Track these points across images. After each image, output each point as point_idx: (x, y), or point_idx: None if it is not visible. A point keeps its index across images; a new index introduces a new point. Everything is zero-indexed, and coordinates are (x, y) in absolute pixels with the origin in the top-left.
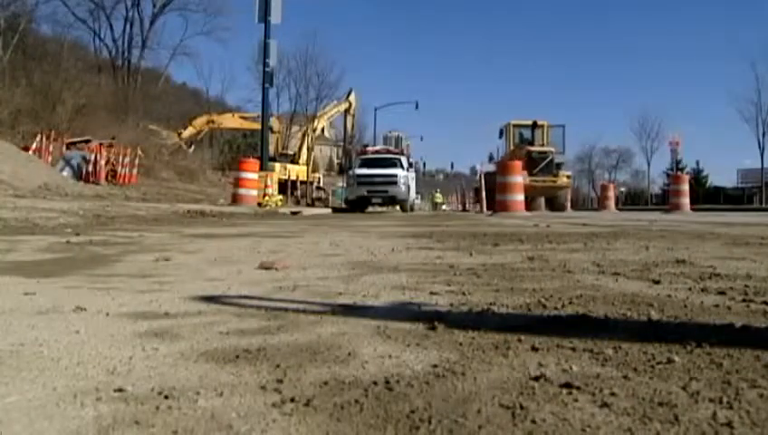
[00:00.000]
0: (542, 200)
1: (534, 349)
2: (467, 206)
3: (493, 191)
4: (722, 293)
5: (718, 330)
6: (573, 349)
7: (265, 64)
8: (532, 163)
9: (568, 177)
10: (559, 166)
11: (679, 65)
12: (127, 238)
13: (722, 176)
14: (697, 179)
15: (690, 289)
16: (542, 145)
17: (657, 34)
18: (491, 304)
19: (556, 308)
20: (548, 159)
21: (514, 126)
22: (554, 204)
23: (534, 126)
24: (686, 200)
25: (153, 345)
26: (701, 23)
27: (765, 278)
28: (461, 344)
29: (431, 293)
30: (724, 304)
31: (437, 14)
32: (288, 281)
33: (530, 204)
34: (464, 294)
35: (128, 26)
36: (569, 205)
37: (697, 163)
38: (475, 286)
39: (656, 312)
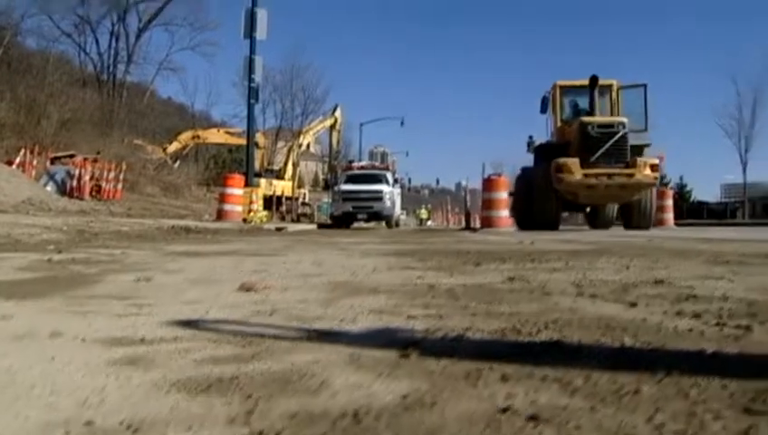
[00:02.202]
0: (612, 210)
1: (505, 378)
2: (453, 222)
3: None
4: (697, 316)
5: (689, 357)
6: (543, 378)
7: (251, 80)
8: (588, 144)
9: (654, 167)
10: (638, 150)
11: (662, 79)
12: (109, 256)
13: (705, 190)
14: (681, 194)
15: (666, 312)
16: (610, 115)
17: (641, 48)
18: (466, 329)
19: (531, 334)
20: (617, 137)
21: (563, 88)
22: (633, 216)
23: (594, 86)
24: (669, 216)
25: (127, 374)
26: (684, 37)
27: (741, 300)
28: (432, 373)
29: (408, 317)
30: (698, 329)
31: (424, 30)
32: (267, 304)
33: (593, 216)
34: (440, 318)
35: (113, 41)
36: (664, 217)
37: (681, 178)
38: (452, 310)
39: (629, 337)
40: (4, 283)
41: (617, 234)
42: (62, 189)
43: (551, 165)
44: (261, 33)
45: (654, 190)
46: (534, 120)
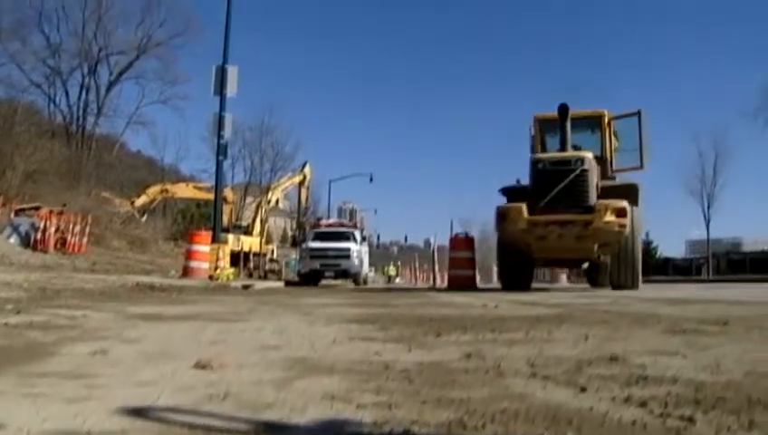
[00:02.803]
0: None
1: None
2: (421, 279)
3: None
4: (643, 404)
5: None
6: None
7: (220, 137)
8: (539, 186)
9: (620, 212)
10: (626, 191)
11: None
12: (69, 319)
13: (671, 246)
14: (648, 250)
15: (614, 398)
16: (601, 152)
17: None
18: (413, 422)
19: (476, 429)
20: (573, 176)
21: (542, 122)
22: (615, 273)
23: (564, 117)
24: None
25: None
26: (645, 95)
27: (690, 382)
28: None
29: (358, 405)
30: (642, 420)
31: (395, 86)
32: (221, 386)
33: (592, 272)
34: (390, 407)
35: (84, 93)
36: (636, 276)
37: (647, 234)
38: (404, 396)
39: (573, 432)
40: None
41: (585, 294)
42: (26, 242)
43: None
44: (231, 89)
45: (638, 241)
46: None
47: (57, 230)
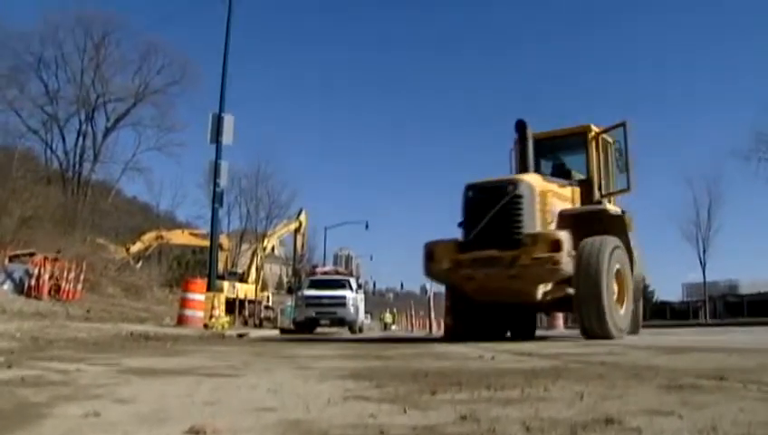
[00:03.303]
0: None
1: None
2: (417, 326)
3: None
4: None
5: None
6: None
7: (216, 184)
8: (468, 217)
9: (555, 244)
10: (611, 224)
11: None
12: (62, 374)
13: (668, 290)
14: (644, 295)
15: None
16: (587, 174)
17: None
18: None
19: None
20: (503, 203)
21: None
22: (581, 320)
23: (523, 136)
24: None
25: None
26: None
27: None
28: None
29: None
30: None
31: (389, 134)
32: None
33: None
34: None
35: (80, 139)
36: (603, 321)
37: (644, 278)
38: None
39: None
40: None
41: (581, 342)
42: (20, 289)
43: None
44: (227, 137)
45: (628, 279)
46: None
47: (51, 277)
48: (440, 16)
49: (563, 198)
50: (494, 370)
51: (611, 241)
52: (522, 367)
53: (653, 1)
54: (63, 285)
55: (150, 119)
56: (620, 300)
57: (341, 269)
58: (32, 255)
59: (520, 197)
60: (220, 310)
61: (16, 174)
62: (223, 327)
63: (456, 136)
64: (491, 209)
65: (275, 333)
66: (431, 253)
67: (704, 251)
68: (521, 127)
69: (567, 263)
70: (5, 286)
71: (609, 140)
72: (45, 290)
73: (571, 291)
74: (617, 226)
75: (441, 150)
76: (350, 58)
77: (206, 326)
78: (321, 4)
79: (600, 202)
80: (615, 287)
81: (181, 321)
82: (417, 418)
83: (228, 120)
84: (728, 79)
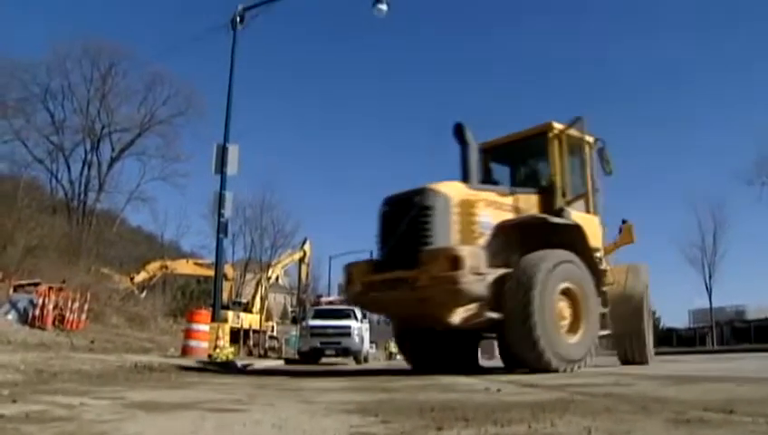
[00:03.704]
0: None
1: None
2: None
3: None
4: None
5: None
6: None
7: (220, 215)
8: (380, 233)
9: (455, 260)
10: (571, 237)
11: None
12: (66, 409)
13: (674, 316)
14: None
15: None
16: (550, 181)
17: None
18: None
19: None
20: (410, 218)
21: (486, 152)
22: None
23: (462, 139)
24: None
25: None
26: (641, 166)
27: None
28: None
29: None
30: None
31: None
32: None
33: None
34: None
35: (86, 169)
36: (537, 350)
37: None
38: None
39: None
40: None
41: (587, 372)
42: (24, 319)
43: None
44: (232, 168)
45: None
46: None
47: (56, 307)
48: (441, 45)
49: (504, 207)
50: (500, 403)
51: (556, 256)
52: (527, 400)
53: (653, 23)
54: (68, 315)
55: (155, 149)
56: (575, 325)
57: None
58: (36, 284)
59: (428, 208)
60: (225, 340)
61: (22, 203)
62: (227, 358)
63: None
64: (401, 224)
65: (280, 363)
66: (350, 275)
67: (710, 276)
68: (459, 131)
69: (472, 282)
70: (10, 316)
71: (589, 139)
72: (50, 320)
73: (492, 315)
74: (578, 237)
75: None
76: (354, 87)
77: (210, 357)
78: (326, 35)
79: (561, 210)
80: (564, 310)
81: (186, 352)
82: None
83: (233, 151)
84: (729, 102)
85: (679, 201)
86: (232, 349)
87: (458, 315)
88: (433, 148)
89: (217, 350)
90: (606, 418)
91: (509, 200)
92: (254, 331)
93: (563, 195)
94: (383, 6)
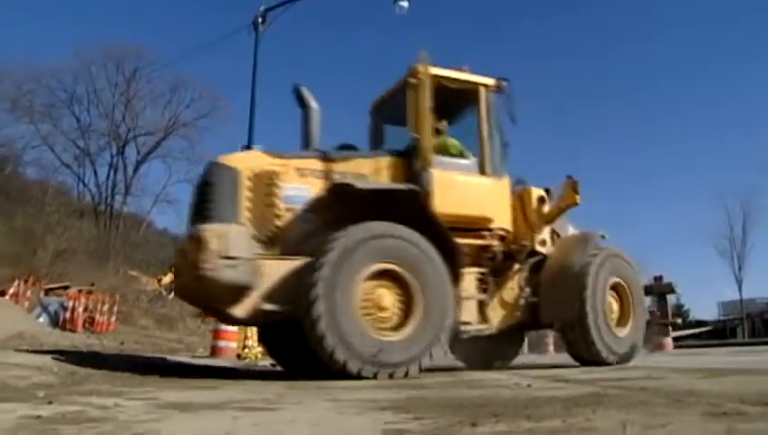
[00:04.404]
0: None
1: None
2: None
3: None
4: None
5: None
6: None
7: None
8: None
9: (194, 239)
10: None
11: (653, 200)
12: (101, 410)
13: (704, 309)
14: (680, 314)
15: None
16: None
17: (629, 181)
18: None
19: None
20: (199, 190)
21: (378, 108)
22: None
23: (302, 103)
24: (668, 339)
25: None
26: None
27: None
28: None
29: None
30: None
31: None
32: None
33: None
34: None
35: (112, 172)
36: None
37: (678, 298)
38: None
39: None
40: None
41: (616, 367)
42: (55, 321)
43: None
44: None
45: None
46: None
47: (86, 310)
48: (469, 42)
49: (333, 177)
50: (532, 398)
51: (368, 229)
52: (559, 395)
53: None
54: (97, 317)
55: (180, 151)
56: (404, 320)
57: None
58: (66, 288)
59: (210, 185)
60: (253, 340)
61: (50, 208)
62: (256, 357)
63: None
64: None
65: None
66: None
67: (739, 268)
68: (298, 94)
69: (218, 268)
70: (41, 319)
71: (485, 82)
72: (80, 323)
73: (269, 307)
74: (420, 205)
75: None
76: (371, 85)
77: (239, 357)
78: (350, 32)
79: (418, 174)
80: (382, 299)
81: (214, 352)
82: None
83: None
84: (759, 91)
85: (708, 192)
86: (260, 349)
87: (242, 308)
88: None
89: (246, 350)
90: (641, 411)
91: (343, 167)
92: None
93: (425, 154)
94: (404, 3)
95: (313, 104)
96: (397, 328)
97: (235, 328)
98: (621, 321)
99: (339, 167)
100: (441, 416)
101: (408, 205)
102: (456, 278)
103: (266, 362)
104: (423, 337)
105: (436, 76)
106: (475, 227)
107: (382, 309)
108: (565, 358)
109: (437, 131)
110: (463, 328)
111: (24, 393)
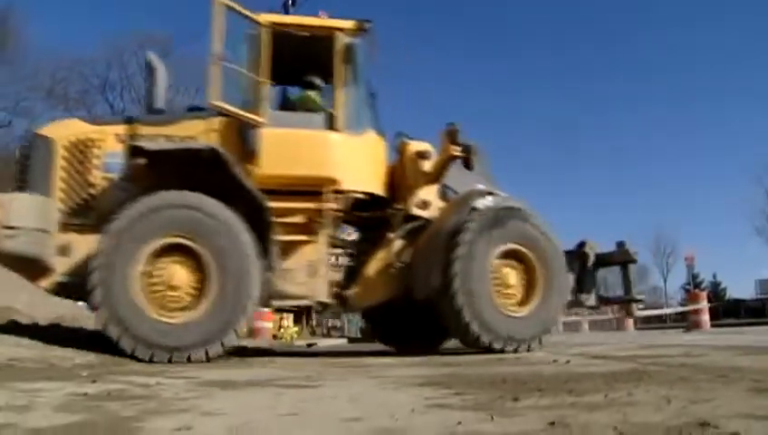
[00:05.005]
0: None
1: None
2: None
3: None
4: None
5: None
6: None
7: None
8: None
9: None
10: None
11: (688, 184)
12: (144, 388)
13: (740, 287)
14: (716, 293)
15: None
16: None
17: (667, 160)
18: None
19: None
20: (17, 164)
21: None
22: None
23: (149, 67)
24: (705, 318)
25: None
26: (708, 137)
27: None
28: None
29: None
30: None
31: None
32: None
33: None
34: None
35: None
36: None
37: (714, 276)
38: None
39: None
40: (43, 431)
41: (652, 343)
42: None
43: None
44: None
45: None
46: None
47: None
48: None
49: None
50: (572, 374)
51: (160, 199)
52: (599, 371)
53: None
54: None
55: None
56: (200, 295)
57: None
58: None
59: (26, 157)
60: (288, 321)
61: None
62: (291, 338)
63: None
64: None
65: (343, 341)
66: None
67: None
68: (148, 62)
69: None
70: (80, 303)
71: (342, 25)
72: None
73: (65, 280)
74: (217, 167)
75: None
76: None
77: (275, 337)
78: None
79: (248, 133)
80: (174, 277)
81: (251, 333)
82: (505, 425)
83: None
84: None
85: (746, 170)
86: (296, 328)
87: (46, 278)
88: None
89: (282, 330)
90: (683, 387)
91: (170, 130)
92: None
93: (255, 110)
94: None
95: (160, 68)
96: (189, 307)
97: (269, 309)
98: (527, 297)
99: (165, 130)
100: (481, 391)
101: (211, 167)
102: (266, 250)
103: (303, 342)
104: (219, 317)
105: (278, 24)
106: (316, 189)
107: (173, 287)
108: (603, 337)
109: (311, 85)
110: (292, 302)
111: (68, 373)
